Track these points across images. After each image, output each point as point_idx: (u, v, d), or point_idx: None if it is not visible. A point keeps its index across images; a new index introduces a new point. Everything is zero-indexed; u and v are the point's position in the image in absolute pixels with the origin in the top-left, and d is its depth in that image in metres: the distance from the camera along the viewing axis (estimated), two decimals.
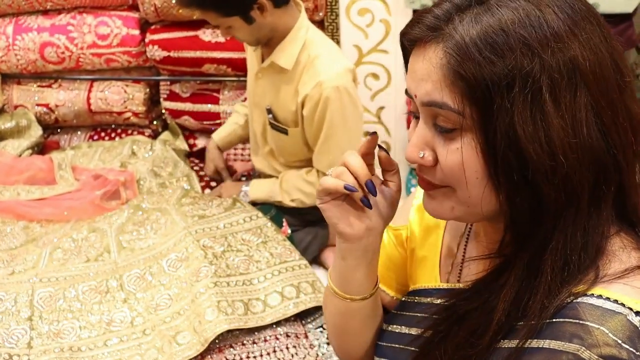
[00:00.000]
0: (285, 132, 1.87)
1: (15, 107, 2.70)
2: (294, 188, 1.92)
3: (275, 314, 1.55)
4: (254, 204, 1.95)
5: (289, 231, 1.93)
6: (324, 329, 1.57)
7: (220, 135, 2.24)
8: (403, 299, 0.94)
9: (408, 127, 1.77)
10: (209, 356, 1.43)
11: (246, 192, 1.99)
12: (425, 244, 0.93)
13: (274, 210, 1.95)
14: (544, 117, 0.63)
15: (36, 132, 2.59)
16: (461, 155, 0.67)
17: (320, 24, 2.27)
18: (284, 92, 1.83)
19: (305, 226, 1.99)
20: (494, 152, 0.65)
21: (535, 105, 0.63)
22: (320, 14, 2.29)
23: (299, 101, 1.78)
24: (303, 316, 1.60)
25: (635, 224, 0.72)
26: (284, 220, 1.94)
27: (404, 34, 0.72)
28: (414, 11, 2.11)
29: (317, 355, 1.46)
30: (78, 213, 2.00)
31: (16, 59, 2.62)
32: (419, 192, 0.95)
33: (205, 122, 2.54)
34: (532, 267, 0.68)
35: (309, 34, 1.80)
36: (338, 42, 2.24)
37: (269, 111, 1.88)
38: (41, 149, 2.58)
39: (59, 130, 2.77)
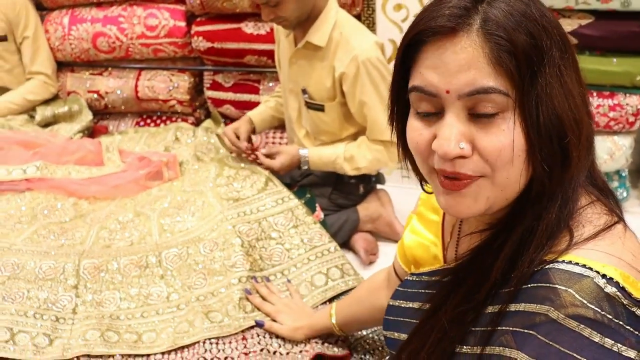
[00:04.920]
0: (321, 108, 1.96)
1: (69, 93, 2.84)
2: (359, 156, 1.96)
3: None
4: (287, 186, 2.00)
5: (322, 216, 1.99)
6: None
7: (252, 112, 2.29)
8: (408, 277, 1.00)
9: None
10: (233, 337, 1.47)
11: (305, 156, 2.00)
12: (428, 230, 1.00)
13: (309, 195, 2.02)
14: (566, 88, 0.69)
15: (87, 117, 2.71)
16: (508, 136, 0.68)
17: (356, 19, 2.31)
18: (319, 70, 1.93)
19: (337, 211, 2.06)
20: (537, 127, 0.68)
21: (560, 77, 0.69)
22: (357, 8, 2.34)
23: (335, 76, 1.88)
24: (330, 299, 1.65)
25: (605, 191, 0.78)
26: (317, 205, 2.01)
27: (422, 30, 0.71)
28: None
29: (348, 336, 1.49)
30: (123, 191, 2.09)
31: (71, 48, 2.76)
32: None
33: (245, 111, 2.59)
34: (528, 230, 0.73)
35: (338, 15, 1.91)
36: None
37: (304, 91, 1.98)
38: (91, 132, 2.69)
39: (108, 115, 2.90)
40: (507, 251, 0.74)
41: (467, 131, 0.70)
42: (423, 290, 0.93)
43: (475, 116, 0.70)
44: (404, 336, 0.90)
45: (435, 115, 0.73)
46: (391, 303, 0.99)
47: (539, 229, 0.72)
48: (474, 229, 0.84)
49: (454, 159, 0.71)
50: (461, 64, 0.68)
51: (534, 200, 0.73)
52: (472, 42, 0.68)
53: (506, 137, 0.69)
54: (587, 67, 2.11)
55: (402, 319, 0.95)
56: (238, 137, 2.13)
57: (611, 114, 2.15)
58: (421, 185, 0.89)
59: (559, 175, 0.71)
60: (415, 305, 0.92)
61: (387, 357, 1.33)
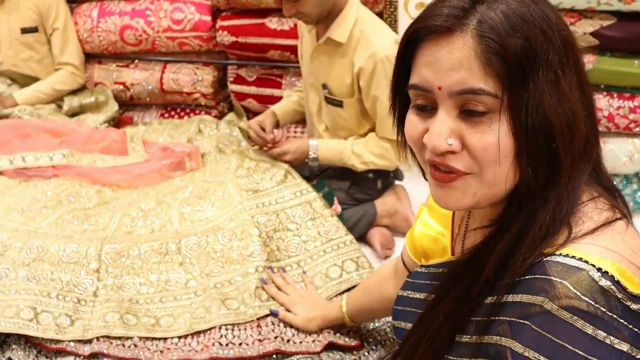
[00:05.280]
0: (340, 104, 1.99)
1: (95, 84, 2.90)
2: (365, 150, 2.00)
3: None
4: (306, 179, 2.03)
5: (340, 209, 2.01)
6: None
7: (275, 106, 2.33)
8: (417, 269, 1.03)
9: None
10: (249, 324, 1.51)
11: (314, 147, 2.04)
12: (438, 224, 1.02)
13: (327, 188, 2.05)
14: (560, 92, 0.70)
15: (113, 107, 2.76)
16: (495, 135, 0.70)
17: (379, 16, 2.33)
18: (339, 66, 1.96)
19: (355, 205, 2.09)
20: (525, 129, 0.70)
21: (554, 81, 0.70)
22: (380, 6, 2.37)
23: (354, 72, 1.91)
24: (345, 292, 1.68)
25: (611, 190, 0.79)
26: (335, 198, 2.04)
27: (420, 27, 0.73)
28: None
29: (359, 328, 1.52)
30: (145, 181, 2.13)
31: (99, 40, 2.81)
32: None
33: (268, 105, 2.62)
34: (522, 229, 0.74)
35: (359, 12, 1.93)
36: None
37: (324, 86, 2.01)
38: (116, 123, 2.74)
39: (133, 107, 2.95)
40: (500, 249, 0.75)
41: (456, 128, 0.72)
42: (430, 282, 0.95)
43: (466, 114, 0.72)
44: (410, 325, 0.92)
45: (429, 110, 0.75)
46: (400, 293, 1.02)
47: (533, 228, 0.73)
48: (478, 224, 0.86)
49: (443, 153, 0.74)
50: (454, 62, 0.70)
51: (527, 200, 0.75)
52: (466, 42, 0.70)
53: (493, 137, 0.70)
54: (608, 68, 2.10)
55: (409, 309, 0.97)
56: (263, 130, 2.16)
57: (631, 116, 2.14)
58: (423, 176, 0.91)
59: (547, 176, 0.73)
60: (422, 296, 0.94)
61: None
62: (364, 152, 2.00)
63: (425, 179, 0.92)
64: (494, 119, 0.71)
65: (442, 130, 0.72)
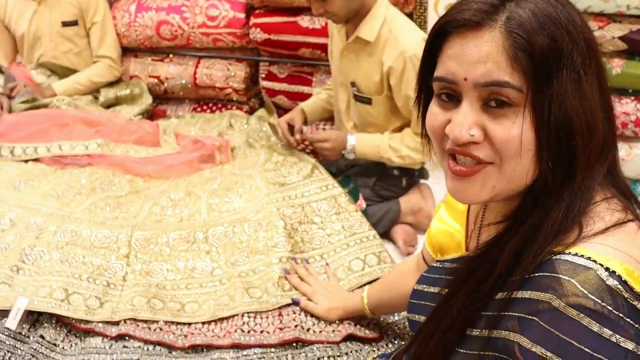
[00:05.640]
0: (369, 101, 2.03)
1: (131, 77, 2.97)
2: (402, 144, 2.02)
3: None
4: (332, 175, 2.06)
5: (364, 205, 2.04)
6: None
7: (305, 103, 2.37)
8: (433, 264, 1.04)
9: None
10: (270, 313, 1.54)
11: (352, 144, 2.06)
12: (453, 219, 1.04)
13: (353, 184, 2.08)
14: (582, 93, 0.72)
15: (147, 100, 2.83)
16: (518, 129, 0.71)
17: (409, 17, 2.35)
18: (367, 64, 2.00)
19: (379, 202, 2.11)
20: (547, 125, 0.71)
21: (577, 81, 0.72)
22: (410, 7, 2.39)
23: (383, 71, 1.94)
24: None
25: (627, 195, 0.80)
26: (360, 194, 2.07)
27: (449, 21, 0.75)
28: None
29: (379, 320, 1.54)
30: (176, 172, 2.19)
31: (135, 34, 2.88)
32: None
33: (297, 102, 2.65)
34: (535, 226, 0.76)
35: (388, 12, 1.96)
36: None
37: (353, 84, 2.04)
38: (150, 115, 2.81)
39: (166, 100, 3.02)
40: (514, 244, 0.76)
41: (479, 120, 0.74)
42: (444, 277, 0.96)
43: (489, 107, 0.73)
44: (423, 318, 0.93)
45: (452, 102, 0.77)
46: (415, 287, 1.03)
47: (546, 226, 0.74)
48: (493, 220, 0.87)
49: (464, 144, 0.75)
50: (481, 55, 0.72)
51: (541, 196, 0.76)
52: (494, 37, 0.71)
53: (516, 130, 0.72)
54: (636, 72, 2.09)
55: (423, 303, 0.99)
56: (292, 127, 2.21)
57: None
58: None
59: (564, 174, 0.74)
60: (436, 290, 0.95)
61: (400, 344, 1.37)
62: (401, 146, 2.02)
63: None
64: (517, 113, 0.72)
65: (465, 121, 0.74)
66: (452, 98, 0.77)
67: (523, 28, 0.70)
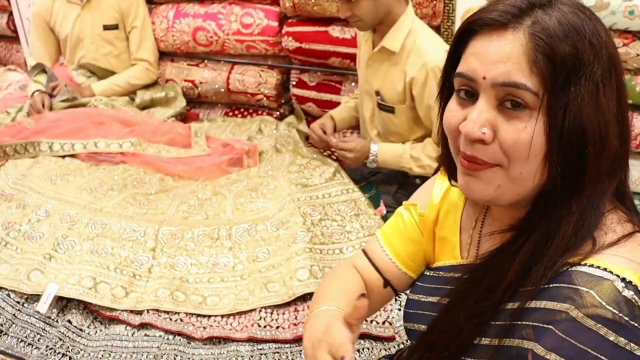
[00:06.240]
0: (392, 110, 2.07)
1: (167, 80, 3.05)
2: (423, 154, 2.06)
3: None
4: (355, 182, 2.11)
5: (385, 211, 2.07)
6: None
7: (334, 110, 2.42)
8: (426, 272, 1.04)
9: None
10: (286, 309, 1.59)
11: (374, 152, 2.11)
12: (444, 226, 1.02)
13: (375, 191, 2.12)
14: (599, 104, 0.73)
15: (181, 103, 2.91)
16: (529, 133, 0.72)
17: (436, 29, 2.39)
18: (391, 74, 2.05)
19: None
20: (560, 131, 0.71)
21: (595, 92, 0.72)
22: (438, 20, 2.42)
23: (406, 81, 1.99)
24: None
25: (633, 211, 0.81)
26: (381, 201, 2.11)
27: (476, 19, 0.76)
28: None
29: (388, 317, 1.57)
30: (205, 173, 2.25)
31: (173, 39, 2.97)
32: (440, 180, 1.04)
33: (326, 110, 2.69)
34: (545, 237, 0.76)
35: (413, 24, 2.01)
36: None
37: (377, 93, 2.09)
38: (183, 118, 2.89)
39: (200, 104, 3.09)
40: (524, 255, 0.77)
41: (492, 119, 0.75)
42: (441, 286, 0.95)
43: (504, 107, 0.74)
44: (423, 327, 0.94)
45: (470, 99, 0.78)
46: (410, 297, 1.03)
47: (556, 239, 0.75)
48: (497, 228, 0.87)
49: (475, 142, 0.76)
50: (502, 55, 0.73)
51: (550, 207, 0.77)
52: (517, 39, 0.72)
53: (527, 133, 0.72)
54: None
55: (421, 312, 0.99)
56: (324, 132, 2.26)
57: None
58: (449, 180, 0.95)
59: (572, 184, 0.75)
60: (434, 299, 0.96)
61: (408, 344, 1.35)
62: (422, 156, 2.06)
63: (450, 182, 0.95)
64: (530, 116, 0.72)
65: (479, 118, 0.75)
66: (471, 95, 0.78)
67: (547, 33, 0.71)
